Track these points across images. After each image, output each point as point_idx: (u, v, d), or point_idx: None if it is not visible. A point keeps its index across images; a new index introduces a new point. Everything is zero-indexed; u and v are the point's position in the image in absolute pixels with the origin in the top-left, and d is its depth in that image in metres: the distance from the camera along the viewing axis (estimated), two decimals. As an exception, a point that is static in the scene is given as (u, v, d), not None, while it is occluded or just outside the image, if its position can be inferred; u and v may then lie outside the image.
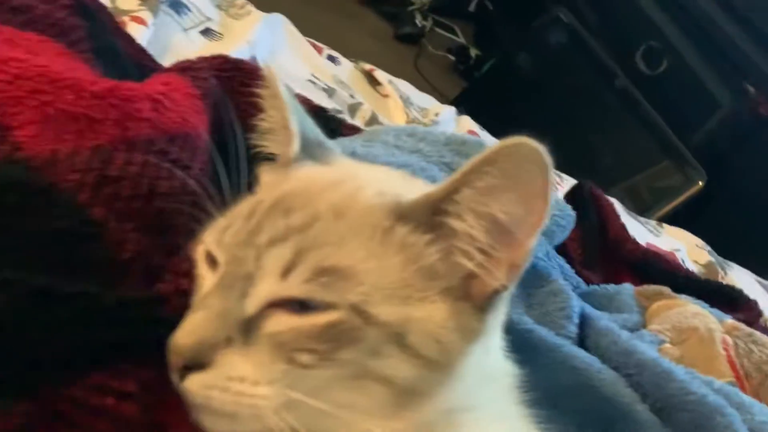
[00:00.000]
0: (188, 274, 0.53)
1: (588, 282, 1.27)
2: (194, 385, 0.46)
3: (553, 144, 0.46)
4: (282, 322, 0.46)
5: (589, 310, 0.87)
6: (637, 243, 1.34)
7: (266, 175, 0.59)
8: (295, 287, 0.46)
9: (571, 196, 1.39)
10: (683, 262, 1.62)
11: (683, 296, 1.04)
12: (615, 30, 2.87)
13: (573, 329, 0.80)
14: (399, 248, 0.48)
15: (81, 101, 0.58)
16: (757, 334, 0.95)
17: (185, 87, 0.69)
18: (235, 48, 1.27)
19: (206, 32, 1.30)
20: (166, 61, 1.11)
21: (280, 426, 0.46)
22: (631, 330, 0.92)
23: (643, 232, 1.67)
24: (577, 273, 1.27)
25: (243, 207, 0.53)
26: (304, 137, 0.58)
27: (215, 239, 0.51)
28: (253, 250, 0.48)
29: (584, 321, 0.85)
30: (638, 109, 2.60)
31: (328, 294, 0.46)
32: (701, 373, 0.86)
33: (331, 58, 1.52)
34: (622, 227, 1.33)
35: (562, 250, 1.30)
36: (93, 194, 0.54)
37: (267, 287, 0.47)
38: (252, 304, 0.47)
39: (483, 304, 0.50)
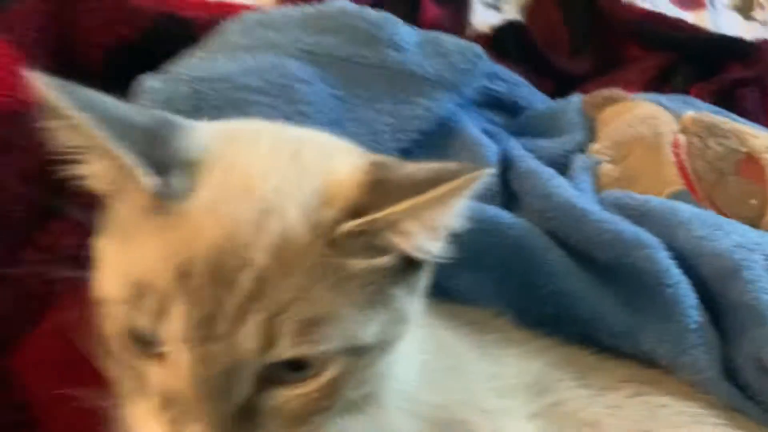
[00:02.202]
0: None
1: (577, 73, 1.16)
2: None
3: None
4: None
5: (516, 151, 0.80)
6: (631, 6, 1.17)
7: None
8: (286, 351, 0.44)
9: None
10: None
11: (639, 95, 0.92)
12: None
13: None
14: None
15: None
16: (721, 122, 0.83)
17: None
18: None
19: None
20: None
21: None
22: (571, 152, 0.85)
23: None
24: (563, 65, 1.17)
25: (160, 278, 0.44)
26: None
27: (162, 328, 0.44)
28: (222, 343, 0.43)
29: (508, 165, 0.79)
30: None
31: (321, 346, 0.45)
32: (645, 187, 0.80)
33: None
34: (608, -9, 1.16)
35: (549, 41, 1.18)
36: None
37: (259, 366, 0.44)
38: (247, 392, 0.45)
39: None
